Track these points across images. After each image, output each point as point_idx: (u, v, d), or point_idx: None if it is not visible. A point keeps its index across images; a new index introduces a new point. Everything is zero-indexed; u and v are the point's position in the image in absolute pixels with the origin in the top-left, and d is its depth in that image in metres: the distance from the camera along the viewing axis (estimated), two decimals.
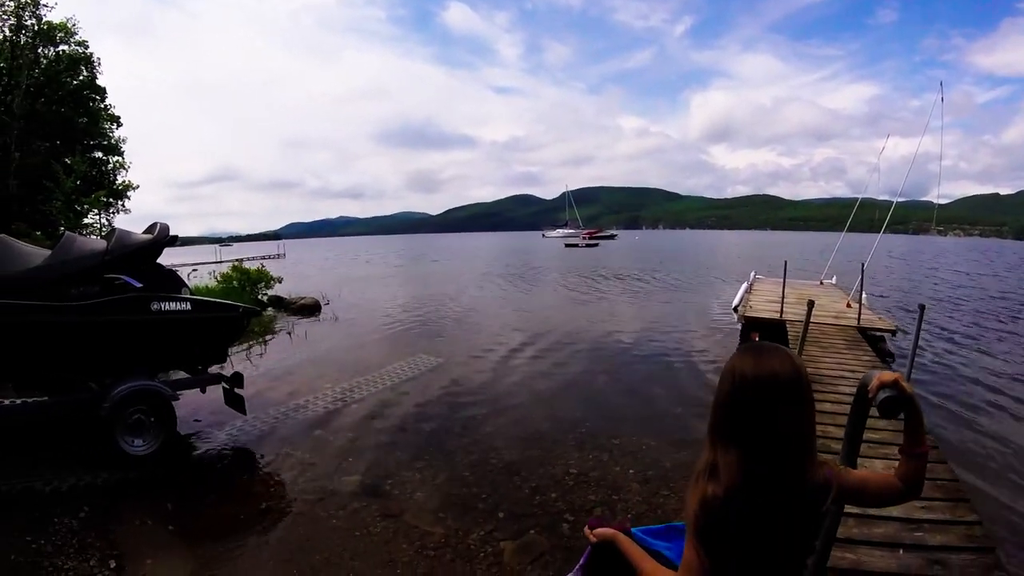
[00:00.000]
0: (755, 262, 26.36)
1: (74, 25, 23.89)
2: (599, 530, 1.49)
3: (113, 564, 3.37)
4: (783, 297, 10.32)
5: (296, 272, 27.63)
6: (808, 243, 76.03)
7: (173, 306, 5.03)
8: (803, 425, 1.18)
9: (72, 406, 4.72)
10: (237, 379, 5.56)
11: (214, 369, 5.77)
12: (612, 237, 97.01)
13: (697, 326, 12.43)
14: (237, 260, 15.82)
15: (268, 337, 11.16)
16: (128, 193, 25.80)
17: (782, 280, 10.98)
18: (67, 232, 5.49)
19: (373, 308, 15.34)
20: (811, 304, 7.14)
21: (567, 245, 67.07)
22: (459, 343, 10.44)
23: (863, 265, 11.33)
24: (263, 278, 14.69)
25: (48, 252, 4.85)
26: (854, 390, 1.41)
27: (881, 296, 16.83)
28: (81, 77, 24.62)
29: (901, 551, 2.99)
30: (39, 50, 23.26)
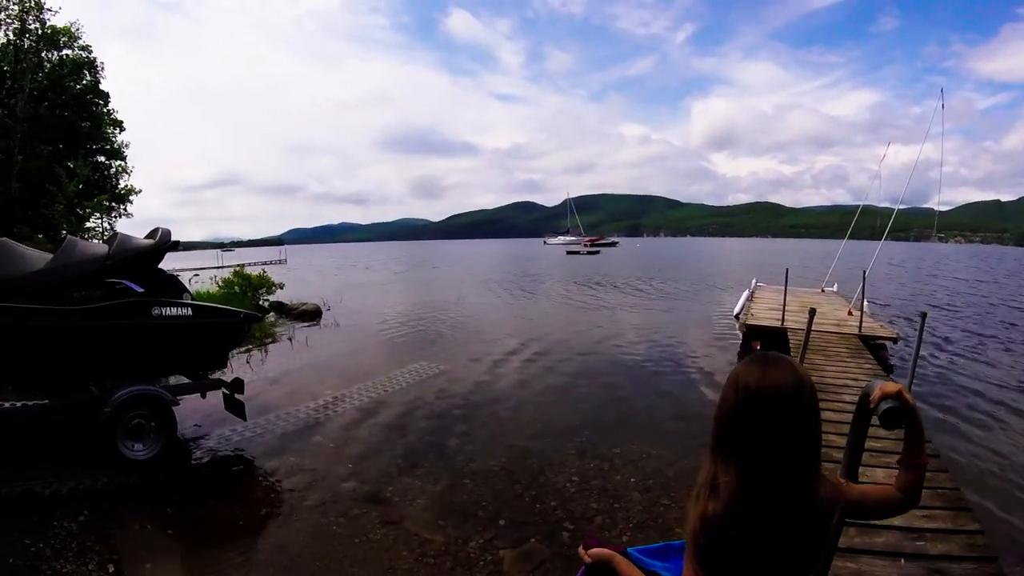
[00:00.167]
0: (756, 270, 26.37)
1: (77, 30, 24.05)
2: (594, 550, 1.45)
3: (112, 568, 3.37)
4: (784, 305, 10.31)
5: (297, 278, 27.65)
6: (809, 251, 76.04)
7: (174, 311, 5.03)
8: (808, 437, 1.17)
9: (73, 410, 4.71)
10: (237, 384, 5.56)
11: (215, 374, 5.77)
12: (613, 244, 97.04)
13: (698, 334, 12.42)
14: (239, 265, 15.85)
15: (269, 343, 11.15)
16: (130, 197, 25.91)
17: (783, 288, 10.97)
18: (69, 236, 5.50)
19: (374, 314, 15.34)
20: (812, 312, 7.13)
21: (568, 252, 67.08)
22: (460, 350, 10.43)
23: (864, 273, 11.32)
24: (264, 283, 14.70)
25: (50, 256, 4.86)
26: (856, 399, 1.41)
27: (883, 304, 16.81)
28: (84, 81, 24.75)
29: (902, 560, 2.97)
30: (43, 54, 23.39)
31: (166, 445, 4.89)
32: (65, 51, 24.15)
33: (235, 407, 5.55)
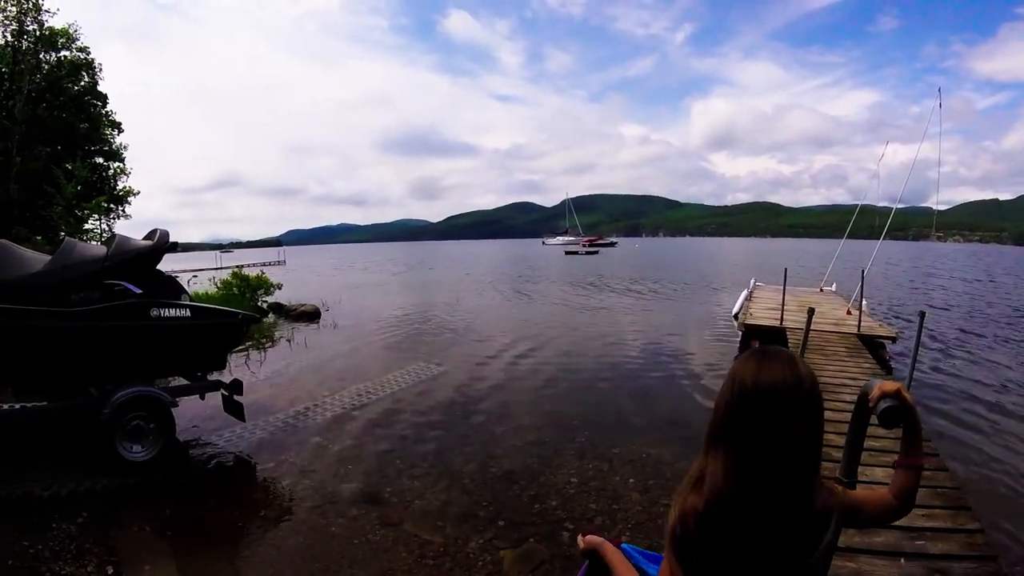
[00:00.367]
0: (755, 269, 26.37)
1: (75, 31, 24.05)
2: (589, 537, 1.48)
3: (111, 570, 3.36)
4: (783, 304, 10.32)
5: (296, 279, 27.64)
6: (808, 250, 76.10)
7: (172, 312, 5.03)
8: (806, 438, 1.11)
9: (71, 411, 4.71)
10: (236, 386, 5.56)
11: (213, 376, 5.77)
12: (612, 244, 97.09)
13: (697, 334, 12.42)
14: (237, 266, 15.85)
15: (268, 344, 11.16)
16: (129, 199, 25.92)
17: (782, 287, 10.99)
18: (67, 238, 5.49)
19: (373, 315, 15.33)
20: (811, 311, 7.14)
21: (567, 252, 67.12)
22: (458, 351, 10.43)
23: (863, 272, 11.34)
24: (263, 284, 14.70)
25: (48, 257, 4.85)
26: (855, 398, 1.41)
27: (881, 304, 16.83)
28: (82, 83, 24.75)
29: (902, 560, 2.98)
30: (41, 55, 23.38)
31: (165, 446, 4.88)
32: (63, 52, 24.17)
33: (234, 408, 5.54)
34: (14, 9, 21.99)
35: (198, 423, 5.97)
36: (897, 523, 3.23)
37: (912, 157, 13.16)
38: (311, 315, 14.54)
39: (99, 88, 25.33)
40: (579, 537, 1.53)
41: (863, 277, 11.23)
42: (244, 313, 5.77)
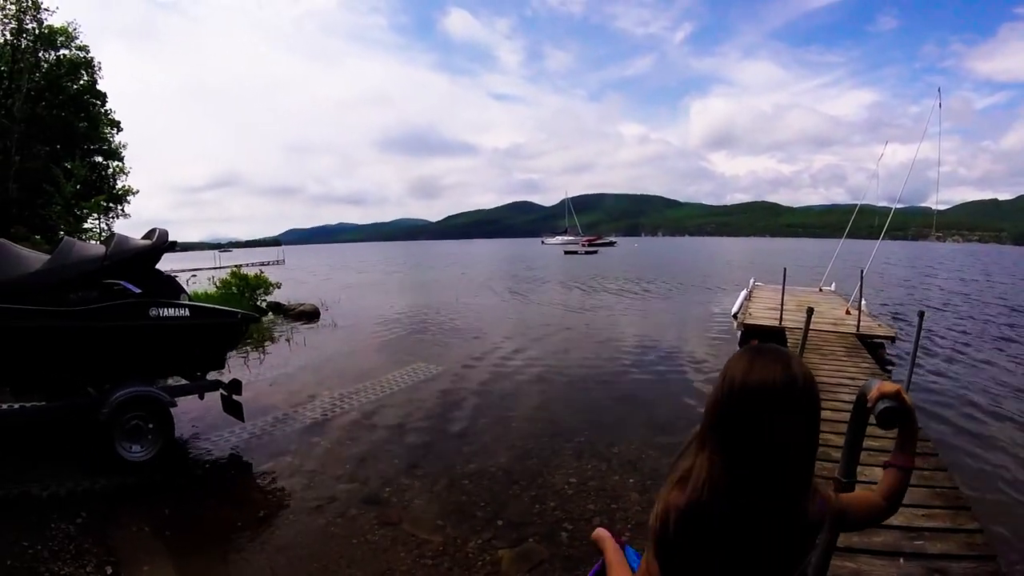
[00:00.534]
0: (754, 269, 26.38)
1: (75, 29, 23.99)
2: (599, 530, 1.47)
3: (110, 570, 3.36)
4: (782, 304, 10.34)
5: (295, 278, 27.63)
6: (807, 250, 76.13)
7: (171, 312, 5.02)
8: (801, 438, 1.08)
9: (70, 411, 4.70)
10: (235, 385, 5.56)
11: (212, 375, 5.76)
12: (611, 244, 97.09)
13: (696, 334, 12.42)
14: (236, 266, 15.84)
15: (267, 343, 11.15)
16: (128, 198, 25.86)
17: (781, 287, 11.00)
18: (66, 237, 5.48)
19: (372, 315, 15.32)
20: (810, 311, 7.14)
21: (566, 252, 67.10)
22: (457, 351, 10.42)
23: (862, 272, 11.35)
24: (262, 284, 14.69)
25: (47, 257, 4.85)
26: (853, 398, 1.41)
27: (881, 304, 16.84)
28: (82, 81, 24.69)
29: (902, 560, 2.98)
30: (40, 54, 23.33)
31: (164, 446, 4.88)
32: (62, 51, 24.10)
33: (233, 408, 5.54)
34: (13, 7, 21.94)
35: (197, 423, 5.96)
36: (896, 523, 3.25)
37: (911, 157, 13.20)
38: (310, 314, 14.54)
39: (98, 87, 25.28)
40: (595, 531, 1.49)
41: (862, 277, 11.24)
42: (243, 313, 5.77)
